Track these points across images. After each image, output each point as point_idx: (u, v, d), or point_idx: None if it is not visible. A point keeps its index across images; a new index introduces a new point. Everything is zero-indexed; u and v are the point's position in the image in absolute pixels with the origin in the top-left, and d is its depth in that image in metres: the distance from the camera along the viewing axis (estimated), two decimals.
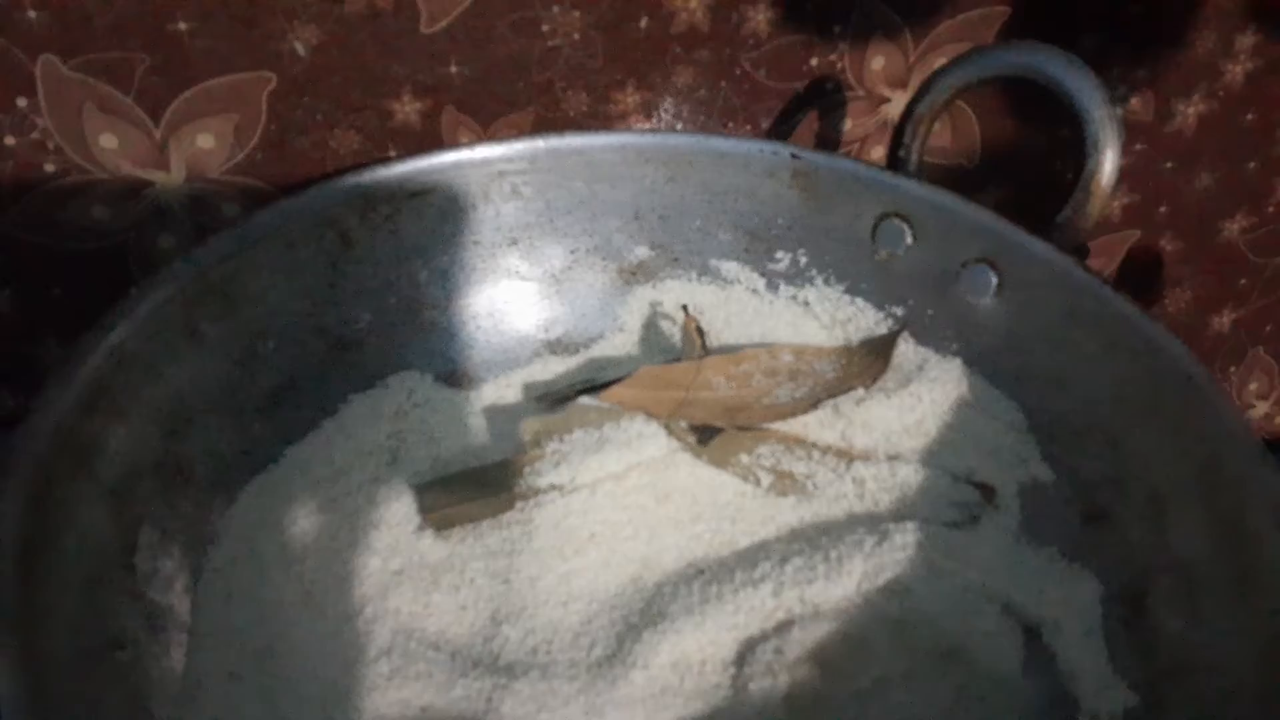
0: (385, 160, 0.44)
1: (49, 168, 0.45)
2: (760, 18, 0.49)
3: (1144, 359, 0.39)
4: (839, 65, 0.52)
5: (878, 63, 0.52)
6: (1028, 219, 0.44)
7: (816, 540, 0.39)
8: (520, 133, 0.49)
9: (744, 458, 0.42)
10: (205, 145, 0.45)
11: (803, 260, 0.48)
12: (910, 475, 0.42)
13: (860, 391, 0.44)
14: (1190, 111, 0.58)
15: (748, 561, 0.39)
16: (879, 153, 0.55)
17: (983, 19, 0.52)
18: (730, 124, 0.52)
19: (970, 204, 0.45)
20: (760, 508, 0.41)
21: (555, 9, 0.46)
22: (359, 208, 0.43)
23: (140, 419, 0.36)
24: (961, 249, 0.44)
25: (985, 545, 0.40)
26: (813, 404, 0.43)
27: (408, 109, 0.47)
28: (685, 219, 0.48)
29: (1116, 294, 0.40)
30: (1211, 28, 0.56)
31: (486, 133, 0.48)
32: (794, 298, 0.48)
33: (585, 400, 0.43)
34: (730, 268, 0.48)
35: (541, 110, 0.49)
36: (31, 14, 0.41)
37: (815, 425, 0.43)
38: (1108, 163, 0.42)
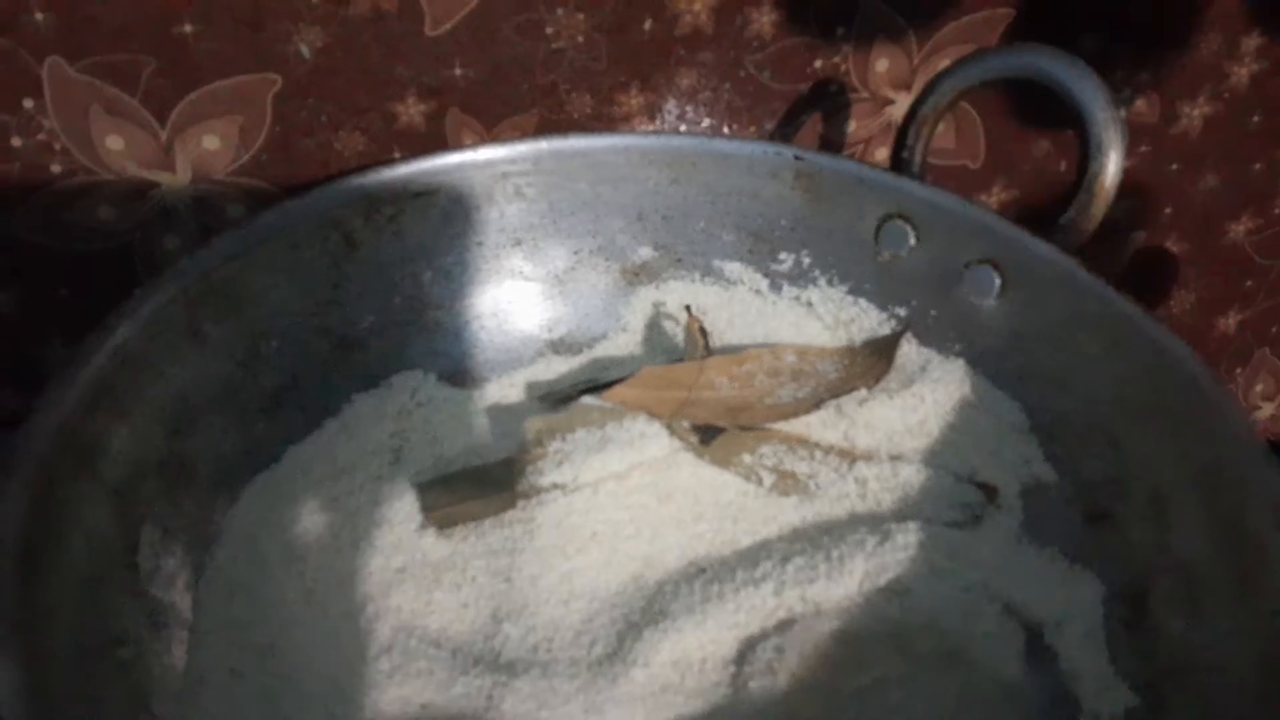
0: (389, 161, 0.44)
1: (55, 169, 0.45)
2: (764, 20, 0.49)
3: (1147, 360, 0.39)
4: (843, 67, 0.52)
5: (882, 64, 0.52)
6: (1031, 220, 0.44)
7: (818, 540, 0.39)
8: (524, 134, 0.49)
9: (746, 457, 0.42)
10: (210, 147, 0.46)
11: (806, 261, 0.48)
12: (912, 475, 0.42)
13: (863, 392, 0.44)
14: (1195, 113, 0.58)
15: (749, 561, 0.39)
16: (883, 154, 0.55)
17: (986, 21, 0.52)
18: (734, 126, 0.52)
19: (973, 205, 0.45)
20: (762, 507, 0.41)
21: (559, 11, 0.46)
22: (363, 209, 0.43)
23: (143, 418, 0.36)
24: (964, 250, 0.44)
25: (987, 545, 0.40)
26: (815, 404, 0.43)
27: (412, 111, 0.47)
28: (689, 220, 0.48)
29: (1120, 295, 0.40)
30: (1216, 30, 0.55)
31: (490, 134, 0.49)
32: (797, 298, 0.48)
33: (588, 400, 0.43)
34: (733, 268, 0.48)
35: (545, 112, 0.49)
36: (39, 16, 0.41)
37: (818, 425, 0.44)
38: (1111, 164, 0.42)
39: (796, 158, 0.46)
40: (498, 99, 0.48)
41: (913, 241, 0.46)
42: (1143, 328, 0.40)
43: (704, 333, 0.45)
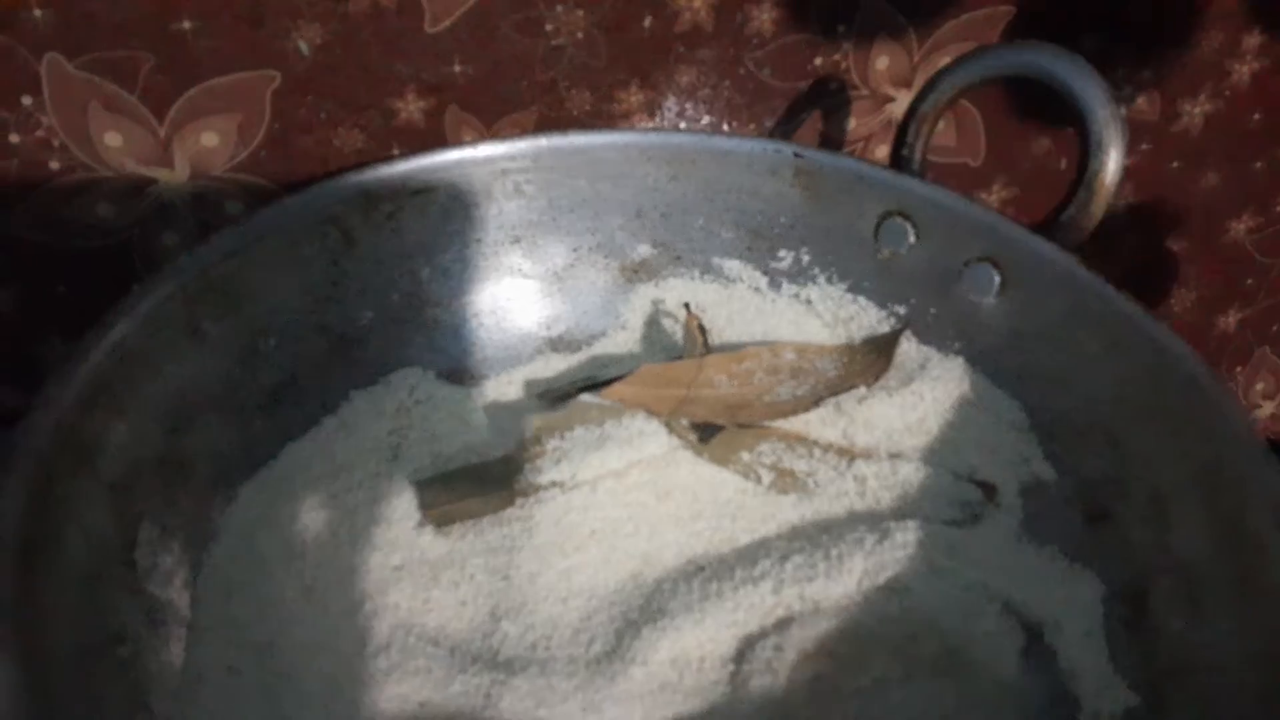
0: (388, 158, 0.44)
1: (54, 165, 0.45)
2: (764, 17, 0.49)
3: (1147, 358, 0.39)
4: (843, 65, 0.52)
5: (882, 62, 0.52)
6: (1031, 218, 0.44)
7: (817, 538, 0.39)
8: (523, 131, 0.49)
9: (745, 455, 0.42)
10: (209, 143, 0.46)
11: (805, 259, 0.48)
12: (912, 473, 0.42)
13: (862, 390, 0.44)
14: (1196, 111, 0.58)
15: (748, 559, 0.39)
16: (883, 152, 0.54)
17: (987, 18, 0.52)
18: (734, 123, 0.52)
19: (973, 203, 0.45)
20: (761, 505, 0.41)
21: (559, 8, 0.46)
22: (362, 206, 0.43)
23: (141, 416, 0.36)
24: (964, 248, 0.44)
25: (986, 544, 0.40)
26: (814, 402, 0.43)
27: (411, 108, 0.47)
28: (688, 217, 0.48)
29: (1120, 293, 0.40)
30: (1218, 27, 0.55)
31: (490, 131, 0.48)
32: (796, 296, 0.48)
33: (587, 397, 0.43)
34: (733, 266, 0.48)
35: (545, 109, 0.49)
36: (37, 13, 0.41)
37: (817, 423, 0.43)
38: (1111, 162, 0.42)
39: (796, 155, 0.46)
40: (497, 96, 0.48)
41: (912, 239, 0.46)
42: (1143, 326, 0.39)
43: (703, 330, 0.45)
